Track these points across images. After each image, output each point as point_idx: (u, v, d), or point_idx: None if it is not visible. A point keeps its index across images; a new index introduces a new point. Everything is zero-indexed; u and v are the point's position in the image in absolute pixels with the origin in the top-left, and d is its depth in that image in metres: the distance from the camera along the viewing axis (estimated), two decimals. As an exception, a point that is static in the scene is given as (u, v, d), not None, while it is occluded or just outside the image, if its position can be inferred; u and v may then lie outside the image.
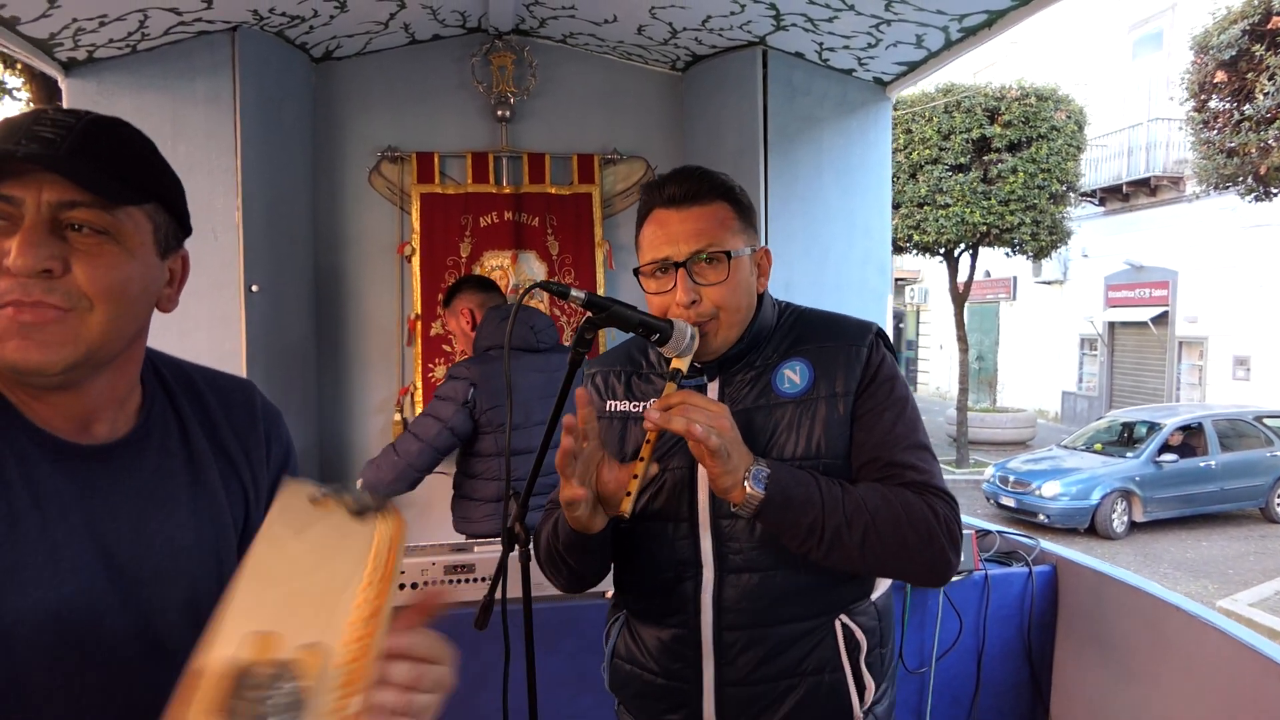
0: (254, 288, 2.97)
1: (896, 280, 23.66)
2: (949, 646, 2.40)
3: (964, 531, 2.57)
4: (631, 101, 3.70)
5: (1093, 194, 18.07)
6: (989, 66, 19.11)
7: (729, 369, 1.41)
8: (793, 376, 1.39)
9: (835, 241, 3.34)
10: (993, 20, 2.68)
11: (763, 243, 3.19)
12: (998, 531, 2.66)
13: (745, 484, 1.21)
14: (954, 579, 2.36)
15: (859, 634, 1.37)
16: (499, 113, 3.60)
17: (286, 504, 0.77)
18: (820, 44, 3.15)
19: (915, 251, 14.57)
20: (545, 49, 3.64)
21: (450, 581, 2.26)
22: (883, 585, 1.46)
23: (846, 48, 3.13)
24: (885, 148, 3.47)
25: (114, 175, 0.81)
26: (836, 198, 3.36)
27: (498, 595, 1.38)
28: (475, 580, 2.24)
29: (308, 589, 0.70)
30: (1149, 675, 2.06)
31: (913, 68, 3.20)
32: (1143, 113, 17.44)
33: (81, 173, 0.78)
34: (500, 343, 2.66)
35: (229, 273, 2.94)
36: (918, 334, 26.81)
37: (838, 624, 1.36)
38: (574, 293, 1.23)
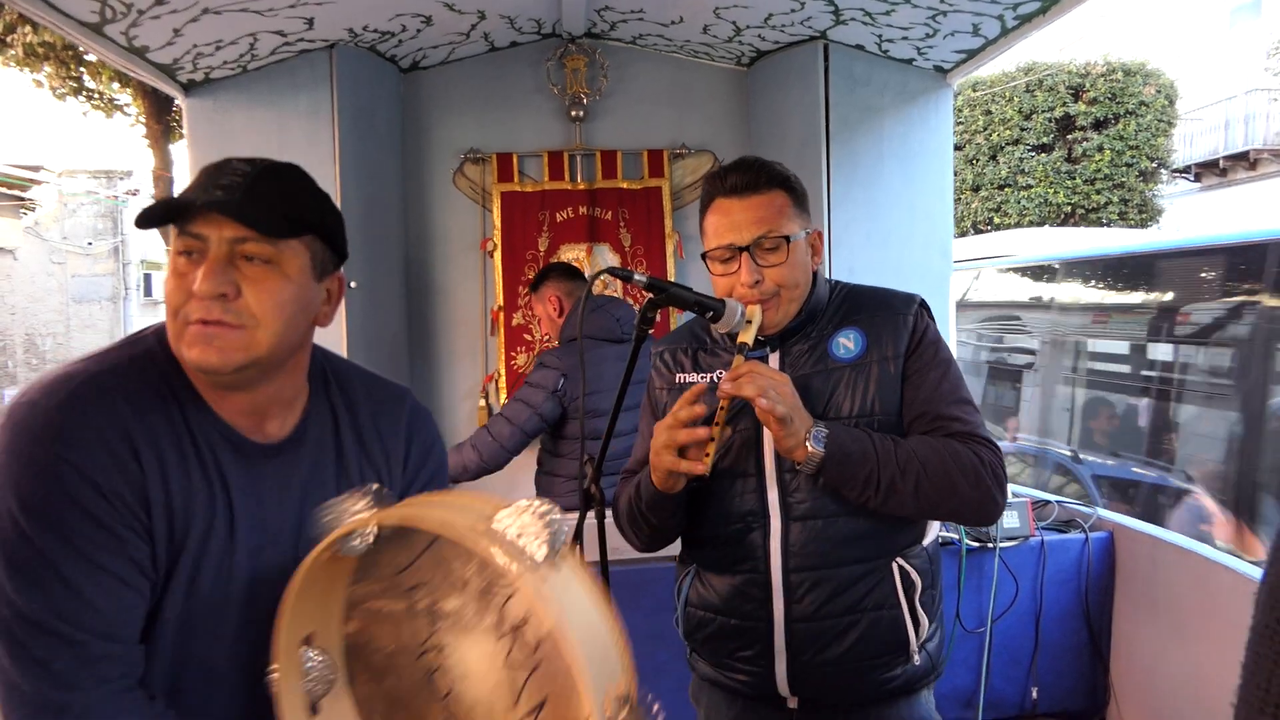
0: (353, 284, 3.24)
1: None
2: (1006, 608, 2.50)
3: (1020, 498, 2.68)
4: (698, 98, 3.86)
5: (1187, 170, 17.35)
6: (1076, 41, 18.55)
7: (788, 340, 1.57)
8: (847, 344, 1.55)
9: (897, 227, 3.44)
10: (1047, 7, 2.75)
11: (822, 226, 3.34)
12: (1056, 501, 2.74)
13: (807, 444, 1.37)
14: (1008, 544, 2.47)
15: (914, 574, 1.51)
16: (573, 113, 3.80)
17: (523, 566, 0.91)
18: (879, 36, 3.25)
19: (997, 234, 14.29)
20: (616, 50, 3.83)
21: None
22: (932, 532, 1.60)
23: (905, 38, 3.23)
24: (946, 134, 3.55)
25: (277, 215, 1.01)
26: (898, 184, 3.46)
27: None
28: (558, 544, 2.44)
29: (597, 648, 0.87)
30: (1201, 633, 2.14)
31: (971, 55, 3.27)
32: (1241, 84, 16.66)
33: (250, 215, 0.98)
34: (589, 333, 2.85)
35: (333, 271, 3.21)
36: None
37: (894, 566, 1.50)
38: (637, 276, 1.41)
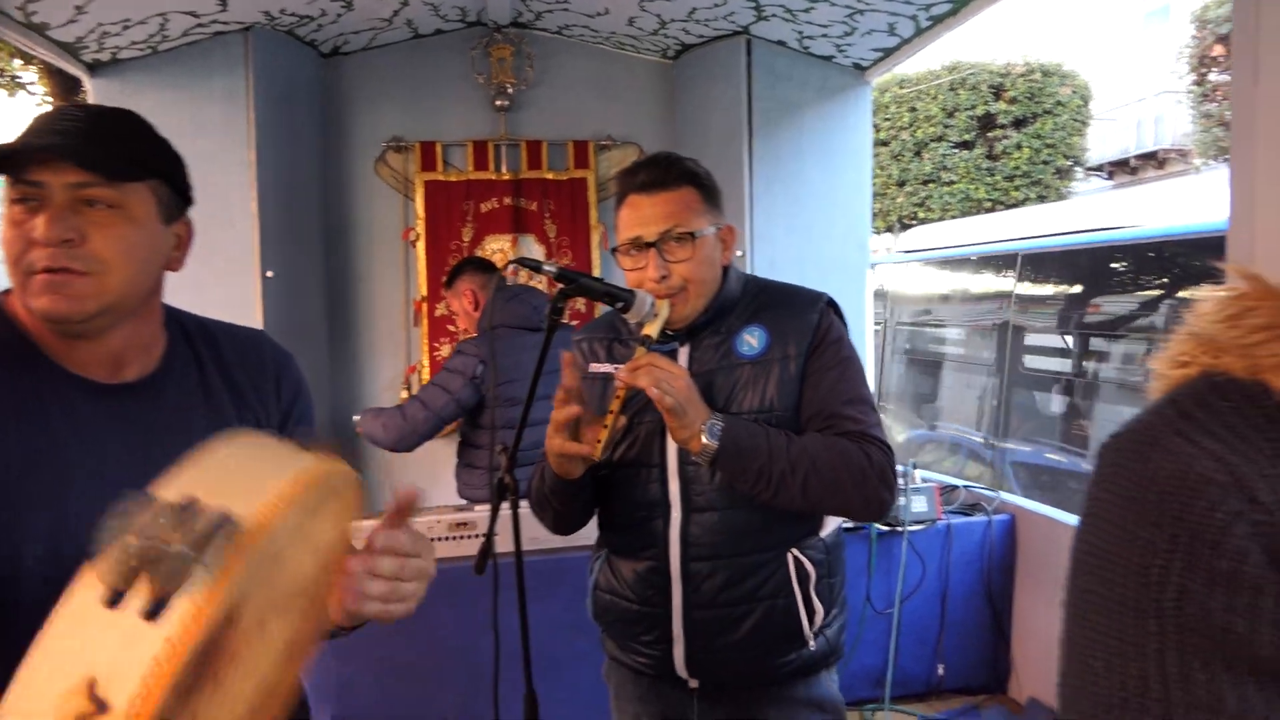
0: (269, 274, 3.18)
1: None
2: (914, 590, 2.60)
3: (928, 484, 2.78)
4: (625, 89, 3.88)
5: (1101, 168, 18.04)
6: (997, 42, 19.08)
7: (697, 335, 1.60)
8: (751, 341, 1.58)
9: (817, 220, 3.52)
10: (958, 8, 2.85)
11: (744, 219, 3.40)
12: (963, 486, 2.85)
13: (701, 435, 1.41)
14: (916, 528, 2.56)
15: (808, 565, 1.56)
16: (498, 103, 3.78)
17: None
18: (800, 32, 3.32)
19: (921, 228, 14.66)
20: (542, 40, 3.82)
21: (453, 538, 2.48)
22: (831, 524, 1.65)
23: (825, 35, 3.30)
24: (865, 130, 3.64)
25: (120, 158, 0.99)
26: (818, 179, 3.54)
27: (504, 543, 1.58)
28: (476, 536, 2.46)
29: (241, 478, 0.73)
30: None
31: (888, 54, 3.36)
32: (1151, 87, 17.37)
33: (91, 158, 0.96)
34: (506, 321, 2.84)
35: (246, 260, 3.15)
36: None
37: (789, 556, 1.55)
38: (546, 266, 1.43)
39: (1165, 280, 4.94)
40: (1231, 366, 0.59)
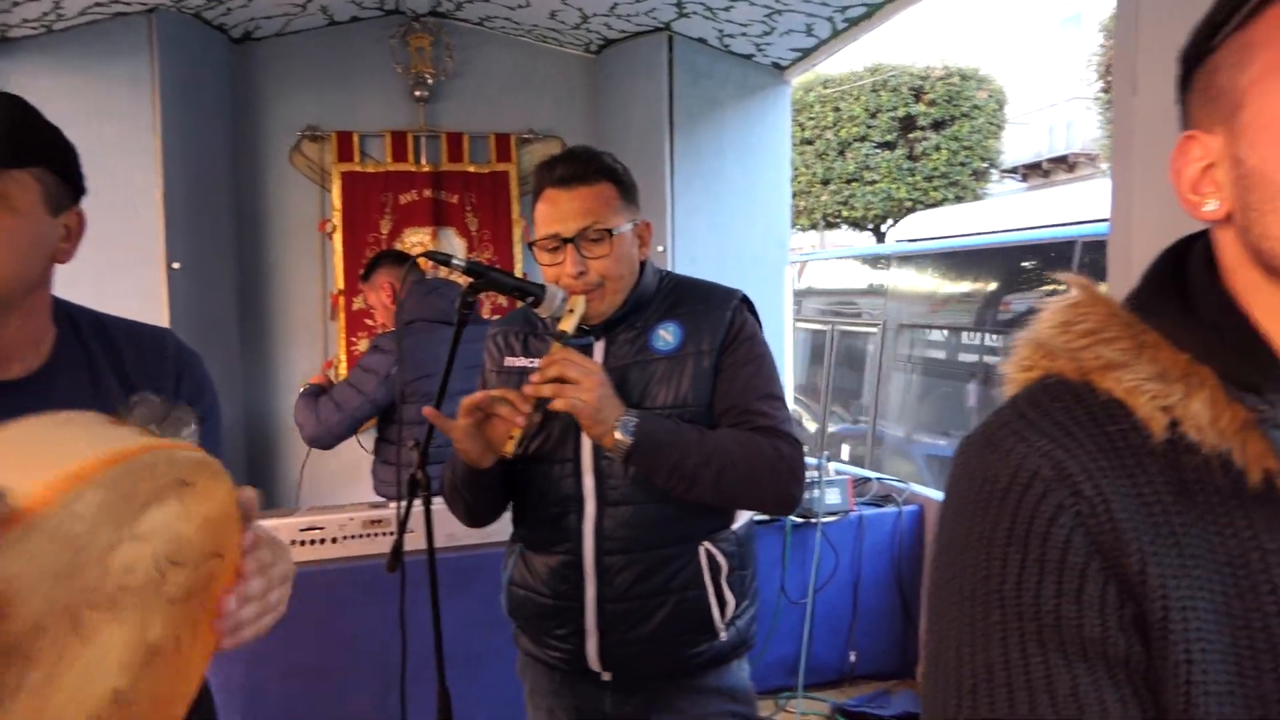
0: (175, 265, 3.08)
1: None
2: (827, 580, 2.66)
3: (841, 476, 2.85)
4: (547, 83, 3.86)
5: (1015, 170, 18.68)
6: (918, 45, 19.59)
7: (613, 329, 1.60)
8: (666, 336, 1.60)
9: (736, 217, 3.57)
10: (872, 11, 2.92)
11: (665, 214, 3.43)
12: (876, 478, 2.93)
13: (616, 432, 1.41)
14: (830, 519, 2.62)
15: (720, 558, 1.58)
16: (417, 93, 3.72)
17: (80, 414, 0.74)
18: (721, 30, 3.35)
19: (845, 226, 14.96)
20: (462, 31, 3.78)
21: (367, 535, 2.44)
22: (743, 517, 1.68)
23: (744, 34, 3.34)
24: (785, 129, 3.70)
25: (1, 145, 0.94)
26: (739, 176, 3.58)
27: (421, 542, 1.56)
28: (390, 534, 2.42)
29: (36, 452, 0.66)
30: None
31: (806, 54, 3.42)
32: (1063, 92, 18.06)
33: None
34: (423, 315, 2.80)
35: (150, 250, 3.04)
36: (852, 308, 27.41)
37: (701, 549, 1.57)
38: (455, 260, 1.41)
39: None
40: (1064, 369, 0.62)
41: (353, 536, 2.43)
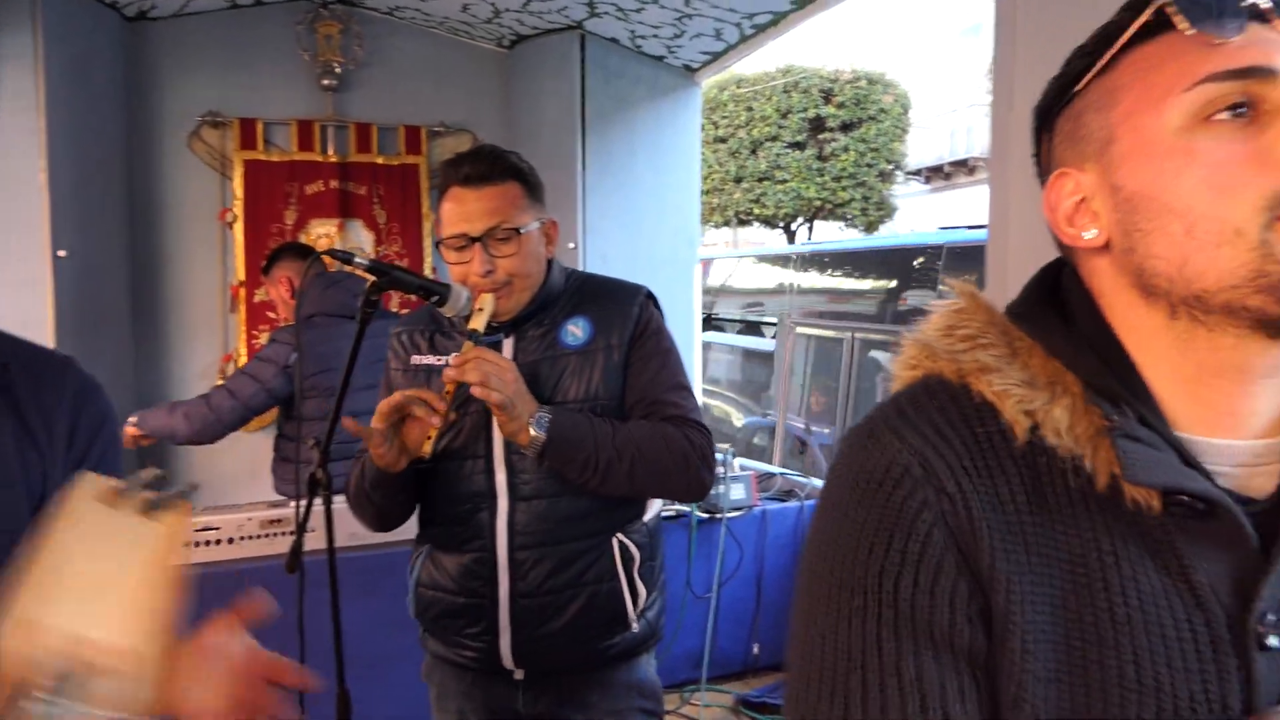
0: (61, 253, 2.94)
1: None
2: (731, 574, 2.73)
3: (746, 472, 2.92)
4: (459, 76, 3.82)
5: (919, 172, 19.35)
6: (827, 49, 20.05)
7: (521, 326, 1.61)
8: (575, 331, 1.62)
9: (647, 216, 3.61)
10: (778, 19, 2.99)
11: (577, 211, 3.44)
12: (779, 474, 3.02)
13: (530, 428, 1.43)
14: (735, 514, 2.68)
15: (633, 549, 1.61)
16: (325, 81, 3.64)
17: (76, 502, 0.79)
18: (632, 31, 3.38)
19: (757, 224, 15.23)
20: (372, 20, 3.71)
21: (266, 535, 2.38)
22: (652, 509, 1.72)
23: (656, 36, 3.38)
24: (695, 130, 3.76)
25: None
26: (649, 175, 3.62)
27: (323, 541, 1.54)
28: (290, 533, 2.36)
29: (88, 585, 0.72)
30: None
31: (716, 57, 3.49)
32: (965, 98, 18.78)
33: None
34: (323, 310, 2.75)
35: (33, 237, 2.89)
36: (763, 304, 27.89)
37: (615, 541, 1.59)
38: (358, 259, 1.40)
39: (967, 278, 5.38)
40: (945, 370, 0.66)
41: (251, 537, 2.38)
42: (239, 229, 3.57)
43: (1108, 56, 0.63)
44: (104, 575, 0.72)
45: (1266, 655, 0.58)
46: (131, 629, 0.69)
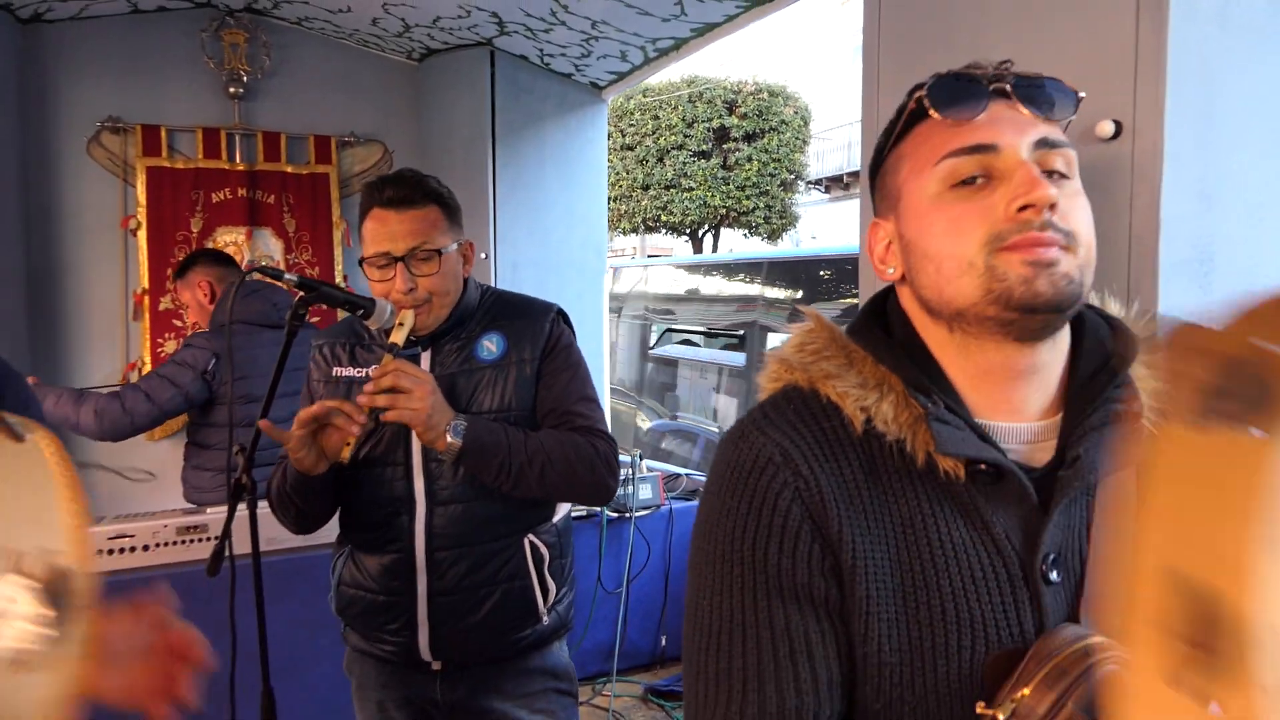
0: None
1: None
2: (640, 570, 2.88)
3: (653, 473, 3.08)
4: (369, 87, 3.86)
5: (819, 182, 20.01)
6: (732, 59, 20.52)
7: (439, 340, 1.71)
8: (490, 346, 1.73)
9: (556, 226, 3.73)
10: (679, 44, 3.16)
11: (488, 222, 3.54)
12: (685, 474, 3.18)
13: (447, 435, 1.53)
14: (643, 514, 2.83)
15: (543, 548, 1.73)
16: (231, 90, 3.63)
17: None
18: (541, 50, 3.50)
19: (664, 231, 15.48)
20: (280, 29, 3.72)
21: (183, 542, 2.40)
22: (561, 510, 1.83)
23: (564, 55, 3.51)
24: (601, 144, 3.90)
25: None
26: (558, 187, 3.75)
27: (244, 545, 1.60)
28: (208, 539, 2.40)
29: (17, 510, 0.76)
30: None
31: (621, 76, 3.64)
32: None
33: None
34: (244, 317, 2.76)
35: (-73, 244, 2.82)
36: (671, 309, 28.21)
37: (526, 542, 1.70)
38: (287, 276, 1.49)
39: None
40: (799, 380, 0.82)
41: (166, 544, 2.39)
42: (142, 236, 3.52)
43: (897, 131, 0.81)
44: (31, 495, 0.76)
45: (1050, 588, 0.75)
46: (76, 534, 0.74)
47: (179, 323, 3.55)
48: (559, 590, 1.76)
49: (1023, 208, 0.72)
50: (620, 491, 2.96)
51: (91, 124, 3.47)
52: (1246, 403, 0.43)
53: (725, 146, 14.50)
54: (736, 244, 20.65)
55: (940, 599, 0.73)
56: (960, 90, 0.77)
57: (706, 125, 14.34)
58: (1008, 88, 0.77)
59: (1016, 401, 0.78)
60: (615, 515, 2.92)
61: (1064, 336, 0.80)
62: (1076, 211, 0.75)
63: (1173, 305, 1.13)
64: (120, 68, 3.51)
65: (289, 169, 3.74)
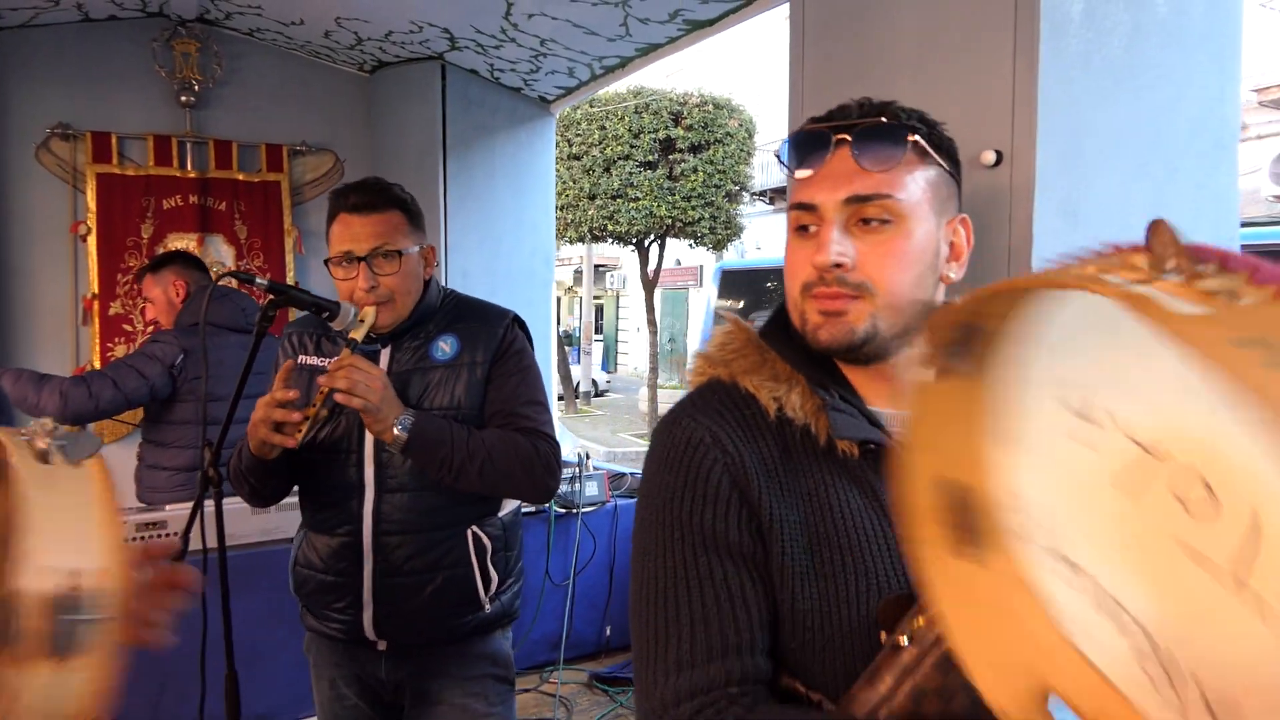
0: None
1: (597, 267, 24.88)
2: (586, 563, 3.01)
3: (599, 471, 3.21)
4: (321, 97, 3.95)
5: (764, 194, 20.36)
6: (678, 71, 20.79)
7: (399, 338, 1.82)
8: (445, 347, 1.84)
9: (506, 235, 3.86)
10: (624, 63, 3.32)
11: (439, 230, 3.65)
12: (630, 474, 3.33)
13: (395, 428, 1.64)
14: (589, 509, 2.96)
15: (485, 539, 1.83)
16: (183, 98, 3.69)
17: (22, 464, 0.88)
18: (491, 65, 3.63)
19: (611, 240, 15.61)
20: (232, 40, 3.78)
21: (141, 538, 2.47)
22: (509, 506, 1.94)
23: (513, 70, 3.64)
24: (549, 156, 4.04)
25: None
26: (508, 198, 3.87)
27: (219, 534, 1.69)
28: (167, 534, 2.47)
29: (69, 526, 0.84)
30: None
31: (569, 91, 3.79)
32: (802, 125, 19.89)
33: None
34: (212, 319, 2.82)
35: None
36: (617, 317, 28.38)
37: (469, 532, 1.81)
38: (259, 280, 1.60)
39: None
40: (720, 374, 0.97)
41: (125, 540, 2.45)
42: (92, 242, 3.56)
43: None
44: (77, 517, 0.83)
45: None
46: (114, 556, 0.82)
47: (129, 327, 3.58)
48: (503, 582, 1.84)
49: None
50: (567, 489, 3.08)
51: (41, 130, 3.50)
52: (960, 352, 0.60)
53: (671, 157, 14.67)
54: (685, 254, 20.90)
55: (841, 555, 0.87)
56: (806, 144, 0.92)
57: (653, 136, 14.51)
58: (848, 138, 0.90)
59: (892, 394, 0.94)
60: (563, 511, 3.05)
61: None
62: (877, 261, 0.89)
63: (1045, 308, 1.31)
64: (71, 75, 3.54)
65: (240, 176, 3.80)
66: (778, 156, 0.94)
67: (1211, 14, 1.45)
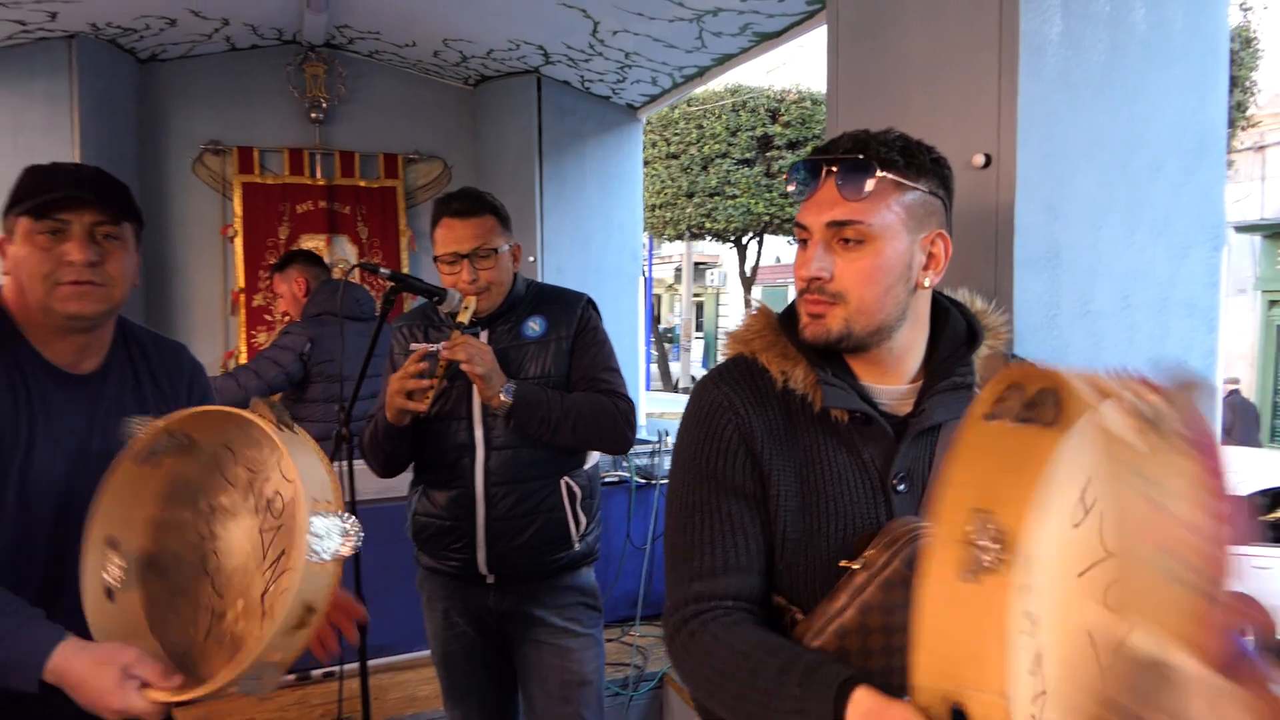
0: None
1: (697, 264, 25.06)
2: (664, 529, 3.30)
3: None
4: (431, 110, 4.37)
5: (863, 188, 20.12)
6: (779, 67, 20.78)
7: (494, 322, 2.15)
8: (534, 327, 2.16)
9: (595, 234, 4.19)
10: (702, 72, 3.61)
11: (535, 231, 4.01)
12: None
13: (501, 395, 1.97)
14: (665, 481, 3.26)
15: (575, 488, 2.13)
16: (313, 115, 4.17)
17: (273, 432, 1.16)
18: (582, 76, 3.97)
19: (709, 238, 15.80)
20: (354, 61, 4.24)
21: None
22: (591, 460, 2.25)
23: (602, 80, 3.97)
24: (636, 158, 4.36)
25: (117, 204, 1.34)
26: (598, 199, 4.21)
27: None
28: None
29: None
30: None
31: (654, 98, 4.09)
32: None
33: (103, 203, 1.30)
34: (332, 310, 3.25)
35: (71, 250, 3.37)
36: (717, 315, 28.50)
37: (563, 482, 2.12)
38: (382, 270, 1.96)
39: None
40: (744, 351, 1.19)
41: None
42: (238, 243, 4.08)
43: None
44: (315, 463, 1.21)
45: (899, 496, 1.08)
46: (336, 491, 1.22)
47: (269, 318, 4.09)
48: (588, 524, 2.15)
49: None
50: (648, 462, 3.38)
51: (196, 146, 4.04)
52: (1030, 407, 0.68)
53: (769, 154, 14.76)
54: (786, 251, 20.85)
55: (826, 500, 1.07)
56: (805, 173, 1.10)
57: (750, 134, 14.64)
58: (834, 170, 1.07)
59: (880, 374, 1.13)
60: (643, 481, 3.35)
61: (922, 327, 1.13)
62: (851, 275, 1.06)
63: (1026, 291, 1.54)
64: (220, 98, 4.07)
65: (362, 183, 4.26)
66: (787, 180, 1.14)
67: (1192, 29, 1.63)
